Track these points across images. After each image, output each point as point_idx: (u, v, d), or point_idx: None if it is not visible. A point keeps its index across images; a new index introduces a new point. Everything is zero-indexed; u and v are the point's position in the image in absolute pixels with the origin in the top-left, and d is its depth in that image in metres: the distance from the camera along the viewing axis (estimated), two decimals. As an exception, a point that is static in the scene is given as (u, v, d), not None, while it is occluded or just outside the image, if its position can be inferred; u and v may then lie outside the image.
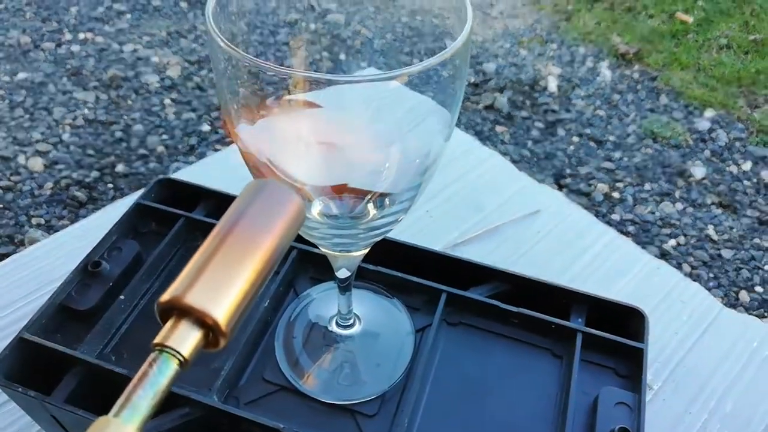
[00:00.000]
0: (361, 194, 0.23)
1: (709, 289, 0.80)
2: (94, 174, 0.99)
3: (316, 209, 0.25)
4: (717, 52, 1.49)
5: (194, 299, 0.14)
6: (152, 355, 0.14)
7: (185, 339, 0.14)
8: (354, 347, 0.36)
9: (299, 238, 0.39)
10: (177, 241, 0.40)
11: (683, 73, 1.40)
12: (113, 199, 0.95)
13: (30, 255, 0.45)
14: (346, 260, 0.30)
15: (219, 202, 0.43)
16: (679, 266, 0.91)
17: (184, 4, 1.65)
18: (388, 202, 0.24)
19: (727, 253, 0.94)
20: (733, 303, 0.89)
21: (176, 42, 1.46)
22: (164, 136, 1.10)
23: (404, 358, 0.35)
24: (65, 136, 1.09)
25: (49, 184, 0.96)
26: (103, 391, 0.33)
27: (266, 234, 0.15)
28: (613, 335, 0.36)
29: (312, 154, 0.23)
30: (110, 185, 0.97)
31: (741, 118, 1.24)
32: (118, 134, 1.10)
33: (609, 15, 1.62)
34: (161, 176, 0.44)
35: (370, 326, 0.37)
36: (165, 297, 0.15)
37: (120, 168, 1.02)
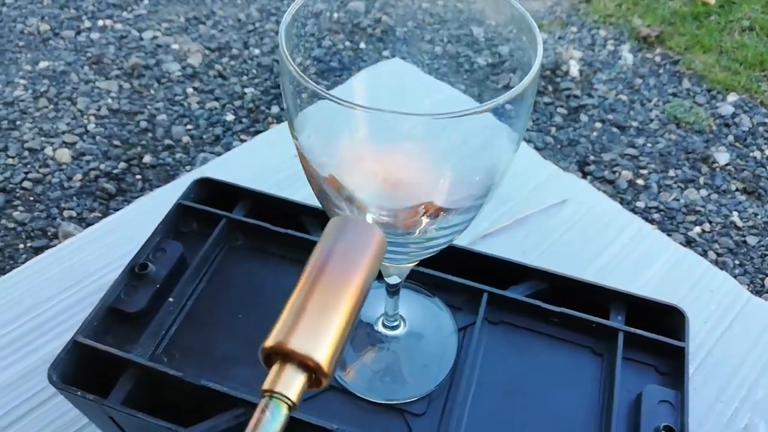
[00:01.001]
0: (417, 209, 0.24)
1: (735, 277, 0.80)
2: (122, 165, 1.00)
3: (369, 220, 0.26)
4: (739, 35, 1.46)
5: (297, 344, 0.15)
6: (263, 402, 0.15)
7: (291, 383, 0.15)
8: (400, 348, 0.37)
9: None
10: (219, 242, 0.41)
11: (706, 57, 1.38)
12: (142, 190, 0.97)
13: (65, 249, 0.46)
14: (398, 269, 0.31)
15: (256, 201, 0.44)
16: (704, 254, 0.91)
17: (200, -11, 1.64)
18: (444, 217, 0.24)
19: (752, 240, 0.93)
20: (758, 290, 0.89)
21: (195, 28, 1.46)
22: (189, 126, 1.10)
23: (449, 357, 0.36)
24: (90, 127, 1.09)
25: (78, 176, 0.98)
26: (157, 393, 0.34)
27: (355, 272, 0.15)
28: (654, 334, 0.37)
29: (372, 173, 0.23)
30: (138, 177, 0.98)
31: (764, 103, 1.22)
32: (143, 124, 1.10)
33: (630, -4, 1.59)
34: (199, 176, 0.44)
35: (414, 327, 0.37)
36: (269, 342, 0.15)
37: (147, 159, 1.03)
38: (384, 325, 0.37)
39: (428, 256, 0.27)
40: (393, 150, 0.22)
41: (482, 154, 0.22)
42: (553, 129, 1.01)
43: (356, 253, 0.16)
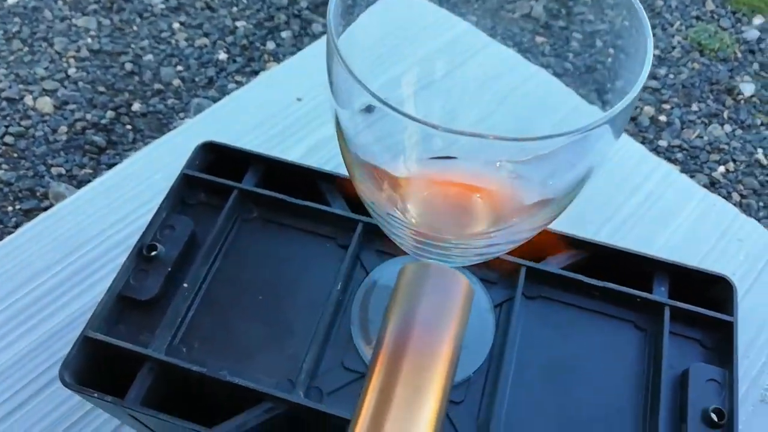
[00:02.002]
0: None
1: (759, 220, 0.78)
2: (110, 114, 0.94)
3: (411, 218, 0.22)
4: (766, -54, 1.35)
5: None
6: None
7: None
8: (434, 332, 0.34)
9: (362, 210, 0.37)
10: (232, 215, 0.38)
11: (730, -27, 1.28)
12: (134, 142, 0.91)
13: (57, 215, 0.44)
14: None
15: (268, 167, 0.40)
16: (728, 195, 0.88)
17: None
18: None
19: (776, 179, 0.91)
20: (782, 232, 0.87)
21: (175, -47, 1.34)
22: (179, 68, 1.03)
23: (487, 337, 0.34)
24: (71, 71, 1.02)
25: (64, 128, 0.92)
26: (179, 388, 0.32)
27: (445, 339, 0.12)
28: (701, 308, 0.35)
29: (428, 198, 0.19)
30: (128, 126, 0.93)
31: (792, 25, 1.15)
32: (129, 66, 1.03)
33: None
34: (203, 141, 0.41)
35: (448, 308, 0.35)
36: None
37: (136, 106, 0.97)
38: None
39: (478, 261, 0.24)
40: (452, 158, 0.18)
41: (578, 163, 0.18)
42: (571, 55, 0.95)
43: (444, 314, 0.13)
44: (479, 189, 0.20)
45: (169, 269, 0.35)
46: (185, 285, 0.34)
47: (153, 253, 0.35)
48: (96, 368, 0.31)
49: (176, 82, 1.01)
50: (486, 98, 0.33)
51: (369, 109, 0.20)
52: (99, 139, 0.89)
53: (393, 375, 0.12)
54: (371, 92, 0.15)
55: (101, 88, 0.96)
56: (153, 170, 0.47)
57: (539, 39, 0.33)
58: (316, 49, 0.55)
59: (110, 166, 0.81)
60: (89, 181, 0.68)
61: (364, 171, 0.20)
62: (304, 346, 0.33)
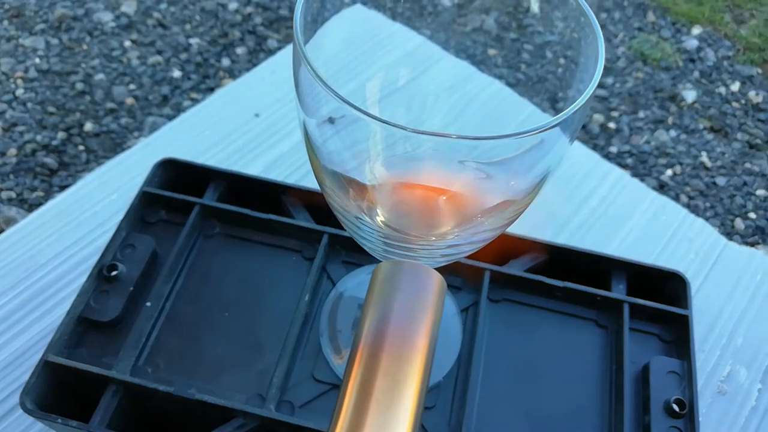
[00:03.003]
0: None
1: (706, 219, 0.82)
2: (61, 135, 0.91)
3: (379, 220, 0.23)
4: (700, -38, 1.43)
5: None
6: None
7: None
8: (403, 339, 0.35)
9: (331, 220, 0.37)
10: (193, 232, 0.37)
11: (668, -13, 1.35)
12: (87, 162, 0.88)
13: (9, 240, 0.42)
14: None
15: (230, 183, 0.40)
16: (677, 197, 0.92)
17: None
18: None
19: (721, 181, 0.95)
20: (729, 231, 0.91)
21: (126, -29, 1.32)
22: (131, 86, 1.01)
23: (455, 342, 0.34)
24: (19, 92, 0.99)
25: (13, 151, 0.88)
26: (146, 409, 0.31)
27: (421, 334, 0.13)
28: (657, 303, 0.36)
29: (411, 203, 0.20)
30: (81, 147, 0.90)
31: (728, 35, 1.22)
32: (79, 86, 1.00)
33: (589, -77, 1.53)
34: (161, 158, 0.40)
35: (416, 314, 0.35)
36: None
37: (88, 126, 0.94)
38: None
39: (446, 263, 0.25)
40: (417, 160, 0.18)
41: (531, 163, 0.19)
42: (523, 66, 0.98)
43: (418, 309, 0.13)
44: (445, 191, 0.20)
45: (131, 289, 0.34)
46: (148, 304, 0.34)
47: (114, 273, 0.34)
48: (58, 393, 0.30)
49: (129, 100, 0.99)
50: (445, 109, 0.33)
51: (331, 120, 0.21)
52: (50, 161, 0.86)
53: (372, 368, 0.12)
54: (339, 96, 0.15)
55: (51, 109, 0.93)
56: (108, 191, 0.46)
57: (491, 51, 0.34)
58: (273, 64, 0.55)
59: (63, 188, 0.79)
60: (41, 204, 0.66)
61: (333, 178, 0.20)
62: (273, 360, 0.33)
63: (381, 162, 0.19)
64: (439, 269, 0.36)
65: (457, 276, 0.37)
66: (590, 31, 0.20)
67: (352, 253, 0.38)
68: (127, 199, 0.37)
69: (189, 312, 0.34)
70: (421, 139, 0.15)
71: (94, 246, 0.42)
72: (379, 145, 0.18)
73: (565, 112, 0.16)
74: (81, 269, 0.41)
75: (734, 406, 0.36)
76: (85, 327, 0.33)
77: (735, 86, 1.12)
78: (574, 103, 0.17)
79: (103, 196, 0.45)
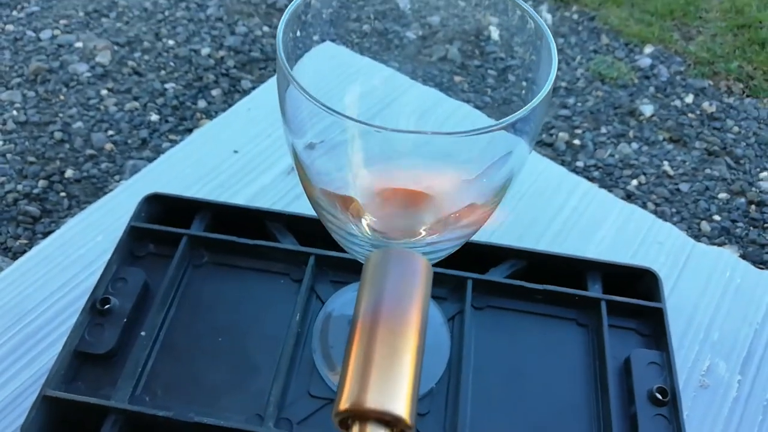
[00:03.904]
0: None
1: (674, 224, 0.85)
2: (42, 184, 0.91)
3: (365, 224, 0.24)
4: (647, -14, 1.52)
5: (374, 401, 0.13)
6: None
7: (376, 445, 0.13)
8: (394, 349, 0.36)
9: (316, 241, 0.38)
10: (183, 262, 0.38)
11: (619, 11, 1.43)
12: (69, 208, 0.89)
13: None
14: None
15: (215, 213, 0.41)
16: (644, 205, 0.96)
17: (96, -21, 1.51)
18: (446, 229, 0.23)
19: (684, 187, 0.99)
20: (696, 234, 0.95)
21: (98, 22, 1.35)
22: (110, 132, 1.02)
23: (444, 350, 0.36)
24: (-2, 145, 0.99)
25: (-5, 201, 0.89)
26: (147, 437, 0.32)
27: (413, 309, 0.14)
28: (632, 299, 0.38)
29: (377, 188, 0.21)
30: (62, 194, 0.90)
31: (678, 52, 1.29)
32: (58, 135, 1.01)
33: (541, -44, 1.61)
34: (148, 193, 0.41)
35: (405, 325, 0.36)
36: (343, 405, 0.14)
37: (69, 173, 0.94)
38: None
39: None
40: (397, 165, 0.20)
41: (494, 163, 0.21)
42: (489, 90, 1.02)
43: (408, 288, 0.15)
44: (421, 194, 0.22)
45: (125, 320, 0.35)
46: (143, 334, 0.34)
47: (107, 306, 0.35)
48: (58, 427, 0.31)
49: (108, 146, 1.00)
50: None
51: (311, 146, 0.22)
52: (32, 209, 0.86)
53: (371, 340, 0.14)
54: (326, 107, 0.17)
55: (31, 159, 0.94)
56: (94, 233, 0.46)
57: (457, 78, 0.35)
58: (248, 102, 0.56)
59: (47, 234, 0.78)
60: (25, 251, 0.65)
61: (322, 193, 0.22)
62: (269, 380, 0.33)
63: (363, 172, 0.21)
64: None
65: (442, 287, 0.38)
66: (546, 53, 0.22)
67: (339, 272, 0.39)
68: (113, 239, 0.38)
69: (183, 339, 0.35)
70: (398, 138, 0.16)
71: (82, 287, 0.42)
72: (360, 152, 0.19)
73: (514, 114, 0.18)
74: (70, 311, 0.40)
75: (717, 399, 0.37)
76: (81, 360, 0.33)
77: (689, 98, 1.19)
78: (525, 107, 0.18)
79: (89, 238, 0.46)
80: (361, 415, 0.13)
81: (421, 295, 0.14)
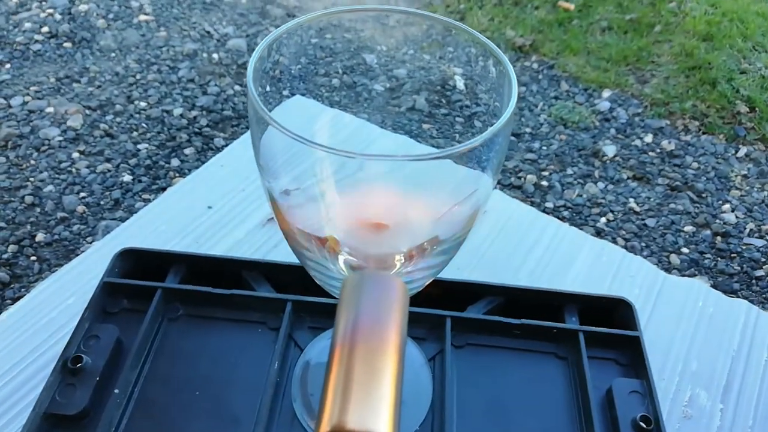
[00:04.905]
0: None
1: (645, 258, 0.87)
2: (12, 248, 0.89)
3: (341, 261, 0.25)
4: (601, 35, 1.61)
5: (355, 421, 0.13)
6: None
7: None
8: (376, 392, 0.35)
9: (292, 288, 0.38)
10: (157, 316, 0.38)
11: (576, 59, 1.50)
12: (40, 272, 0.87)
13: None
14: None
15: (190, 265, 0.41)
16: (614, 241, 0.98)
17: (68, 45, 1.54)
18: (420, 258, 0.24)
19: (651, 222, 1.02)
20: (666, 267, 0.97)
21: (69, 88, 1.36)
22: (82, 194, 1.01)
23: (426, 391, 0.35)
24: (-35, 212, 0.97)
25: (-36, 269, 0.86)
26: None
27: (390, 329, 0.14)
28: (609, 329, 0.38)
29: (348, 218, 0.22)
30: (33, 258, 0.88)
31: (635, 95, 1.35)
32: (29, 199, 1.00)
33: (500, 10, 1.70)
34: (121, 248, 0.41)
35: (385, 367, 0.36)
36: (324, 427, 0.14)
37: (40, 237, 0.93)
38: (356, 372, 0.35)
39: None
40: (363, 191, 0.21)
41: (459, 192, 0.22)
42: (457, 135, 1.05)
43: (385, 309, 0.15)
44: (397, 224, 0.23)
45: (98, 379, 0.34)
46: (116, 391, 0.33)
47: (79, 365, 0.34)
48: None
49: (80, 208, 0.99)
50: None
51: (287, 192, 0.23)
52: (2, 275, 0.84)
53: (351, 359, 0.14)
54: (300, 137, 0.17)
55: (0, 224, 0.92)
56: (65, 295, 0.44)
57: (426, 125, 0.36)
58: (221, 159, 0.56)
59: (16, 300, 0.76)
60: (-8, 318, 0.63)
61: (300, 233, 0.22)
62: (249, 431, 0.33)
63: (337, 207, 0.21)
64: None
65: (421, 327, 0.38)
66: (507, 85, 0.23)
67: (317, 318, 0.39)
68: (85, 300, 0.37)
69: (159, 395, 0.34)
70: (369, 166, 0.17)
71: (54, 351, 0.40)
72: (333, 186, 0.20)
73: (479, 136, 0.19)
74: (40, 376, 0.39)
75: (701, 429, 0.37)
76: (52, 423, 0.32)
77: (648, 138, 1.24)
78: (481, 135, 0.19)
79: (60, 301, 0.44)
80: (343, 436, 0.13)
81: (399, 314, 0.15)
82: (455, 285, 0.40)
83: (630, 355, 0.38)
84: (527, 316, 0.38)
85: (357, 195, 0.21)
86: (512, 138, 1.21)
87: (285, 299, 0.38)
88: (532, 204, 1.07)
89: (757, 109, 1.36)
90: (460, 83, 0.30)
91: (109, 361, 0.35)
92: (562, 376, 0.37)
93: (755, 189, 1.18)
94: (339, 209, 0.22)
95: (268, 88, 0.37)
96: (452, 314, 0.38)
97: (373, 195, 0.21)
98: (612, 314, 0.40)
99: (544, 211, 1.13)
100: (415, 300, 0.38)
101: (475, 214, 0.23)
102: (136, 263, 0.41)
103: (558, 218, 0.59)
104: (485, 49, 0.23)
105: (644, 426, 0.33)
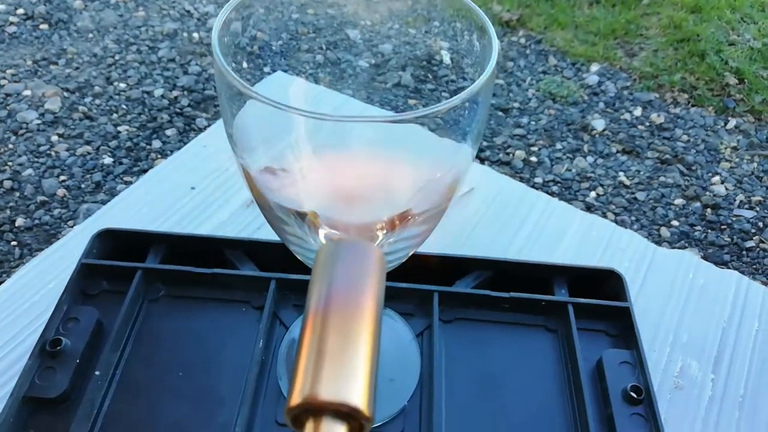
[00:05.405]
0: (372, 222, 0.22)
1: (635, 231, 0.87)
2: (-8, 235, 0.88)
3: (322, 235, 0.24)
4: (588, 8, 1.59)
5: (328, 393, 0.12)
6: None
7: (333, 440, 0.12)
8: (363, 369, 0.35)
9: (276, 266, 0.37)
10: (138, 297, 0.37)
11: (564, 33, 1.49)
12: (21, 257, 0.85)
13: None
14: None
15: (170, 245, 0.40)
16: (604, 215, 0.98)
17: (44, 27, 1.50)
18: (401, 229, 0.23)
19: (641, 195, 1.02)
20: (657, 240, 0.97)
21: (46, 70, 1.33)
22: (62, 177, 0.99)
23: (414, 367, 0.35)
24: (-57, 199, 0.95)
25: (-58, 258, 0.84)
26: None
27: (365, 297, 0.13)
28: (599, 300, 0.38)
29: (324, 187, 0.21)
30: (14, 243, 0.87)
31: (623, 68, 1.34)
32: (8, 184, 0.98)
33: (486, -15, 1.68)
34: (98, 229, 0.40)
35: (373, 344, 0.36)
36: (295, 401, 0.13)
37: (20, 222, 0.91)
38: (343, 349, 0.35)
39: (388, 270, 0.26)
40: (343, 161, 0.20)
41: (438, 159, 0.21)
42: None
43: (360, 276, 0.14)
44: (377, 192, 0.22)
45: (77, 362, 0.33)
46: (97, 373, 0.32)
47: (58, 348, 0.33)
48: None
49: (61, 191, 0.97)
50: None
51: (271, 170, 0.22)
52: (-19, 260, 0.83)
53: (324, 329, 0.13)
54: (276, 103, 0.16)
55: (-22, 212, 0.90)
56: (46, 279, 0.43)
57: (412, 101, 0.35)
58: (204, 139, 0.55)
59: (-2, 285, 0.75)
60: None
61: (281, 210, 0.21)
62: (234, 411, 0.32)
63: (315, 176, 0.21)
64: (391, 295, 0.37)
65: (408, 302, 0.38)
66: (488, 44, 0.22)
67: (301, 296, 0.38)
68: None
69: (141, 377, 0.33)
70: (348, 130, 0.16)
71: (34, 337, 0.39)
72: (312, 154, 0.19)
73: (455, 97, 0.18)
74: (21, 363, 0.38)
75: (692, 399, 0.37)
76: (32, 407, 0.31)
77: (638, 111, 1.23)
78: (457, 96, 0.18)
79: (41, 285, 0.43)
80: (316, 408, 0.12)
81: (375, 282, 0.14)
82: (443, 260, 0.39)
83: (620, 326, 0.38)
84: (516, 290, 0.38)
85: (335, 165, 0.20)
86: (500, 113, 1.19)
87: (269, 277, 0.37)
88: (521, 180, 1.07)
89: (746, 80, 1.36)
90: (447, 58, 0.29)
91: (89, 344, 0.34)
92: (551, 348, 0.37)
93: (745, 161, 1.18)
94: (317, 181, 0.21)
95: (245, 65, 0.36)
96: (440, 289, 0.37)
97: (351, 165, 0.20)
98: (602, 286, 0.40)
99: (533, 186, 1.12)
100: (403, 275, 0.38)
101: (455, 184, 0.22)
102: (115, 244, 0.40)
103: (547, 193, 0.58)
104: (470, 17, 0.22)
105: (635, 396, 0.33)
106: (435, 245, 0.45)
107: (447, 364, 0.35)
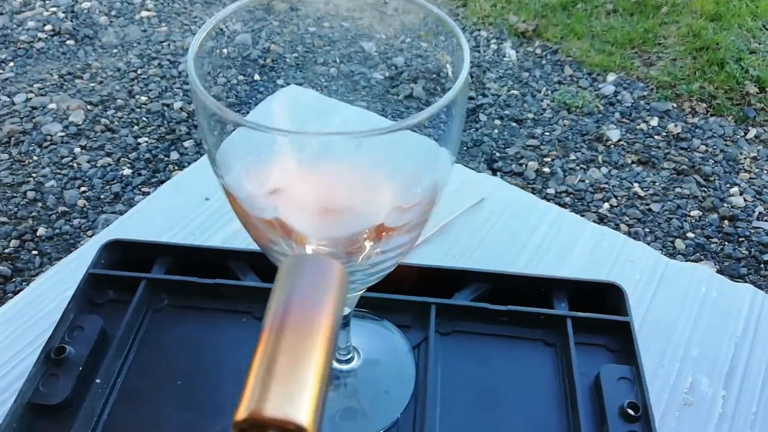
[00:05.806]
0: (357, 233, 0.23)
1: (648, 244, 0.86)
2: (14, 243, 0.90)
3: (309, 251, 0.24)
4: (606, 18, 1.58)
5: (274, 410, 0.13)
6: None
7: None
8: (357, 381, 0.35)
9: (271, 277, 0.38)
10: (141, 307, 0.38)
11: (580, 43, 1.48)
12: (41, 266, 0.88)
13: None
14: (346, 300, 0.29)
15: (175, 256, 0.41)
16: (617, 227, 0.96)
17: (71, 43, 1.54)
18: (387, 239, 0.24)
19: (655, 207, 1.01)
20: (671, 252, 0.95)
21: (72, 84, 1.37)
22: (83, 188, 1.02)
23: (408, 379, 0.35)
24: (-32, 209, 0.99)
25: (-34, 264, 0.87)
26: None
27: (321, 313, 0.14)
28: (598, 314, 0.37)
29: (307, 202, 0.21)
30: (34, 252, 0.90)
31: (640, 78, 1.33)
32: (31, 194, 1.01)
33: (502, -4, 1.68)
34: (107, 240, 0.41)
35: (368, 355, 0.36)
36: (240, 415, 0.13)
37: (41, 231, 0.94)
38: (337, 360, 0.35)
39: (376, 281, 0.26)
40: (324, 175, 0.20)
41: (417, 169, 0.21)
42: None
43: (318, 293, 0.14)
44: (359, 206, 0.22)
45: (80, 369, 0.34)
46: (98, 381, 0.33)
47: (62, 356, 0.34)
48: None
49: (81, 202, 0.99)
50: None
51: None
52: (3, 269, 0.85)
53: (275, 347, 0.13)
54: (253, 124, 0.17)
55: (2, 219, 0.93)
56: (62, 288, 0.44)
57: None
58: (220, 150, 0.56)
59: (17, 293, 0.78)
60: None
61: (260, 224, 0.22)
62: (229, 424, 0.32)
63: (296, 194, 0.21)
64: (386, 311, 0.37)
65: (406, 315, 0.38)
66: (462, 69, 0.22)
67: (301, 307, 0.38)
68: (79, 294, 0.37)
69: (142, 385, 0.34)
70: (329, 144, 0.17)
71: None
72: (271, 163, 0.20)
73: (424, 110, 0.18)
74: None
75: (702, 416, 0.36)
76: (35, 413, 0.32)
77: (654, 121, 1.22)
78: (435, 104, 0.19)
79: (56, 294, 0.44)
80: (261, 424, 0.13)
81: (333, 300, 0.14)
82: (442, 272, 0.39)
83: (620, 341, 0.37)
84: (516, 303, 0.37)
85: (317, 180, 0.21)
86: (514, 124, 1.19)
87: (270, 288, 0.38)
88: (533, 191, 1.06)
89: (767, 89, 1.34)
90: (450, 71, 0.30)
91: (92, 352, 0.35)
92: (550, 362, 0.36)
93: (765, 171, 1.15)
94: (299, 196, 0.22)
95: (257, 77, 0.37)
96: (437, 301, 0.37)
97: (332, 178, 0.21)
98: (603, 300, 0.40)
99: (545, 197, 1.12)
100: (401, 288, 0.38)
101: (435, 193, 0.22)
102: (123, 255, 0.41)
103: (559, 204, 0.57)
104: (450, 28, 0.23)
105: (632, 413, 0.33)
106: (443, 255, 0.45)
107: (443, 376, 0.35)
